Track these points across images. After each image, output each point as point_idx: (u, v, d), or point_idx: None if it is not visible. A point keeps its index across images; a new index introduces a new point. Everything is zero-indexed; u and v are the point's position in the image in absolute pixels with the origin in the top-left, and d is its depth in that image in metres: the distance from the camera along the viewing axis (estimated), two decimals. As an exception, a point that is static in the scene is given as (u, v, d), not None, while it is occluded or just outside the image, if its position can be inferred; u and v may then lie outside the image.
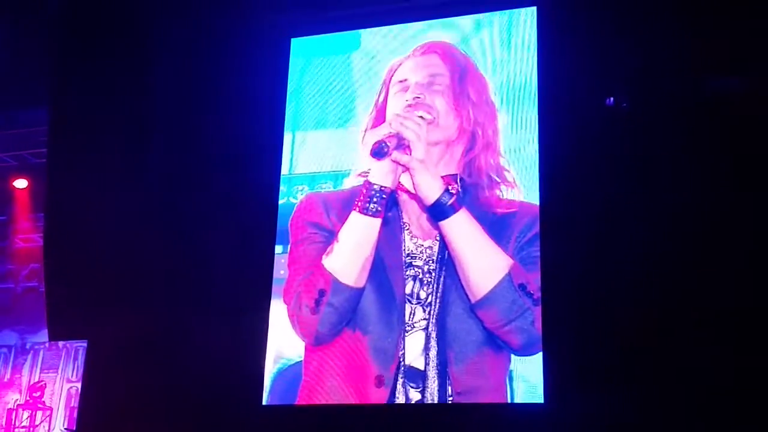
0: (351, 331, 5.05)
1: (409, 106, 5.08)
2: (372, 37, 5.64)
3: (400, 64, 5.33)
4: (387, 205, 5.00)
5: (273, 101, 5.73)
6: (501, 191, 4.99)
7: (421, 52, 5.34)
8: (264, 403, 5.17)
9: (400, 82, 5.22)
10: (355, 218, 5.03)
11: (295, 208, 5.41)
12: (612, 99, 4.95)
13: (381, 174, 4.98)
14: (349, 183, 5.36)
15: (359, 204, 5.03)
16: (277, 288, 5.31)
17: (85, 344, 6.45)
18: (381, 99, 5.32)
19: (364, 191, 5.02)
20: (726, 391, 4.31)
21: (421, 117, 4.99)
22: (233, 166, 5.66)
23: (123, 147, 5.79)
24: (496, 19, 5.34)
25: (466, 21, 5.41)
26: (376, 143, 4.87)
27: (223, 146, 5.73)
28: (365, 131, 5.29)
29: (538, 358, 4.66)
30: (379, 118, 5.25)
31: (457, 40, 5.37)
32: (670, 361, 4.47)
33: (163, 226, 5.63)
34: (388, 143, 4.85)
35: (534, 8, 5.26)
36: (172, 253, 5.56)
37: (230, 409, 5.21)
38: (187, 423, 5.25)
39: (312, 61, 5.78)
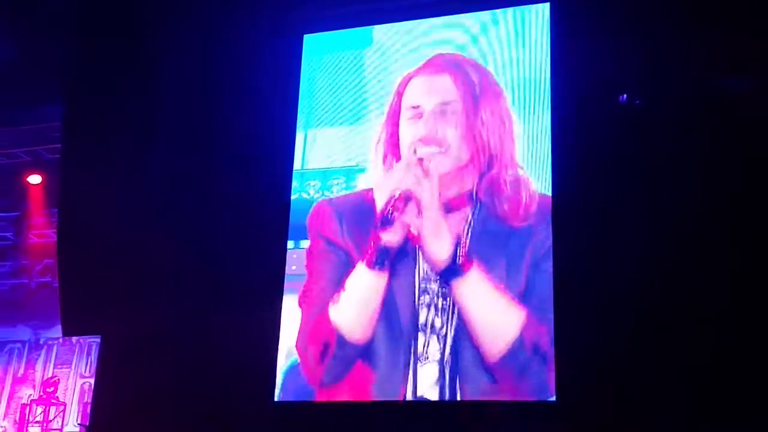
0: (360, 365, 5.03)
1: (420, 140, 5.08)
2: (383, 33, 5.63)
3: (411, 78, 5.31)
4: (395, 260, 5.02)
5: (285, 98, 5.74)
6: (519, 202, 4.96)
7: (433, 69, 5.31)
8: (276, 399, 5.18)
9: (413, 107, 5.20)
10: (362, 272, 5.07)
11: (308, 216, 5.42)
12: (625, 96, 4.93)
13: (389, 234, 5.02)
14: (362, 181, 5.37)
15: (367, 257, 5.07)
16: (289, 284, 5.32)
17: (98, 340, 6.47)
18: (393, 111, 5.31)
19: (372, 245, 5.06)
20: (733, 392, 4.29)
21: (429, 170, 4.98)
22: (245, 163, 5.66)
23: (136, 143, 5.80)
24: (509, 15, 5.33)
25: (478, 17, 5.40)
26: (381, 213, 4.99)
27: (235, 143, 5.74)
28: (379, 142, 5.32)
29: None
30: (393, 137, 5.24)
31: (469, 37, 5.36)
32: (679, 361, 4.45)
33: (175, 223, 5.64)
34: (395, 212, 4.92)
35: (547, 5, 5.24)
36: (185, 250, 5.57)
37: (242, 406, 5.21)
38: (199, 418, 5.26)
39: (323, 58, 5.79)
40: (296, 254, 5.38)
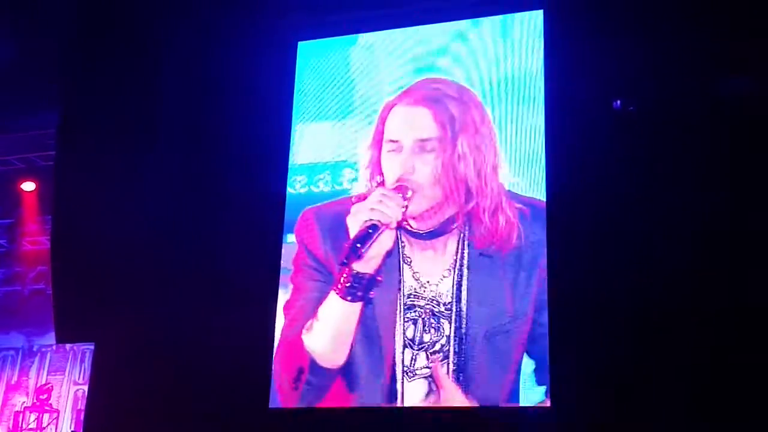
0: (338, 386, 5.04)
1: (398, 180, 5.10)
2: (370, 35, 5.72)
3: (393, 107, 5.33)
4: (369, 288, 5.04)
5: (280, 101, 5.74)
6: (497, 230, 4.98)
7: (414, 101, 5.33)
8: (271, 406, 5.17)
9: (393, 141, 5.22)
10: (335, 302, 5.10)
11: (295, 226, 5.45)
12: (619, 102, 4.95)
13: (361, 265, 5.05)
14: (347, 177, 5.40)
15: (340, 287, 5.10)
16: (284, 277, 5.36)
17: (92, 347, 6.47)
18: (376, 138, 5.31)
19: (345, 276, 5.08)
20: (730, 393, 4.30)
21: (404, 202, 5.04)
22: (239, 170, 5.67)
23: (130, 149, 5.80)
24: (502, 22, 5.35)
25: (469, 24, 5.43)
26: (351, 243, 4.99)
27: (228, 149, 5.75)
28: (365, 167, 5.32)
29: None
30: (377, 166, 5.25)
31: (461, 42, 5.40)
32: (675, 365, 4.46)
33: (170, 230, 5.64)
34: (363, 245, 4.92)
35: (540, 12, 5.26)
36: (179, 256, 5.57)
37: (237, 412, 5.21)
38: (194, 425, 5.25)
39: (312, 57, 5.83)
40: (285, 249, 5.44)
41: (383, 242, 5.03)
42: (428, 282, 4.99)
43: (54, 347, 7.85)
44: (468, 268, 4.93)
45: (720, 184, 4.64)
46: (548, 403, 4.61)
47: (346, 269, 5.07)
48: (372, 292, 5.05)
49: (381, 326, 5.02)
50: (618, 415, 4.46)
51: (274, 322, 5.28)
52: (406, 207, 5.04)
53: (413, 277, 5.04)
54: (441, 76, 5.41)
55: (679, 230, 4.64)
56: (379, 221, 5.01)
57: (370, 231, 4.99)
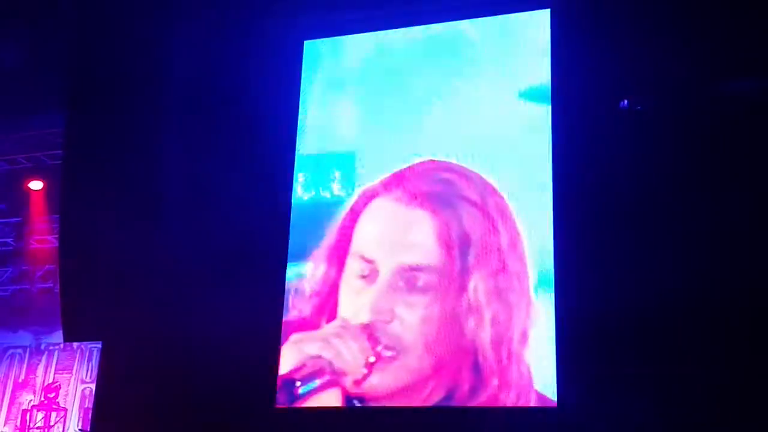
0: None
1: (363, 329, 3.26)
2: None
3: (374, 197, 3.53)
4: None
5: (287, 101, 5.74)
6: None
7: (409, 196, 3.54)
8: (277, 405, 5.17)
9: (365, 260, 3.39)
10: None
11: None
12: (626, 102, 4.93)
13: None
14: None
15: None
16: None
17: (99, 345, 6.48)
18: (335, 246, 3.74)
19: None
20: (737, 395, 4.29)
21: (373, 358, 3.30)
22: (247, 167, 5.67)
23: (137, 149, 5.81)
24: (509, 21, 5.34)
25: (477, 23, 5.42)
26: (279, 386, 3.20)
27: (235, 147, 5.75)
28: (312, 292, 3.72)
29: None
30: (329, 297, 3.64)
31: (467, 41, 5.34)
32: (680, 367, 4.45)
33: (177, 228, 5.65)
34: (300, 386, 3.41)
35: (548, 11, 5.25)
36: (186, 255, 5.58)
37: (243, 411, 5.21)
38: (200, 424, 5.26)
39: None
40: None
41: (323, 403, 3.38)
42: None
43: (61, 345, 7.87)
44: None
45: (728, 184, 4.62)
46: (554, 404, 4.60)
47: None
48: None
49: None
50: (620, 418, 4.45)
51: (281, 323, 5.28)
52: (372, 366, 3.35)
53: None
54: (456, 162, 3.58)
55: (682, 232, 4.63)
56: (331, 365, 3.39)
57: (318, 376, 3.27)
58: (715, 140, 4.69)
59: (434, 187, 3.46)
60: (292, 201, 5.28)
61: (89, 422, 6.45)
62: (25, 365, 8.06)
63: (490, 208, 3.41)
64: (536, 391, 3.32)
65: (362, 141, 4.53)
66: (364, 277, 3.44)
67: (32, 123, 7.05)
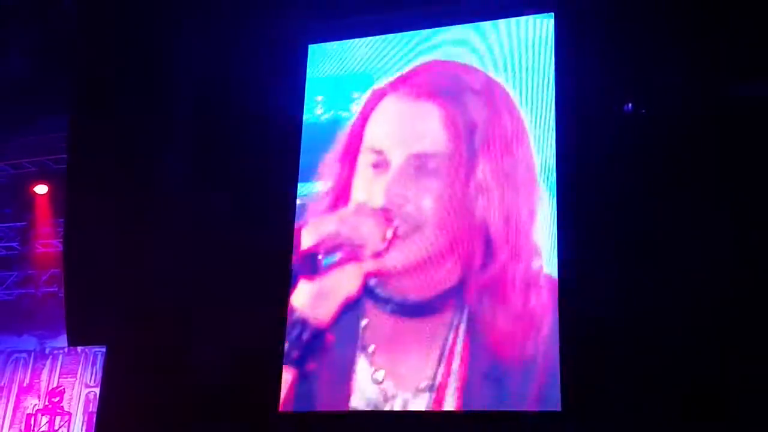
0: None
1: (380, 212, 3.35)
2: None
3: (384, 96, 3.69)
4: (310, 351, 3.30)
5: (292, 104, 5.74)
6: (531, 322, 3.45)
7: (414, 90, 3.63)
8: (280, 409, 5.17)
9: (375, 152, 3.54)
10: None
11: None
12: (630, 105, 4.93)
13: (306, 297, 3.36)
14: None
15: None
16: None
17: (103, 349, 6.48)
18: (347, 148, 3.78)
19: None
20: (740, 401, 4.28)
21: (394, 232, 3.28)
22: (250, 171, 5.67)
23: (141, 153, 5.82)
24: (513, 26, 5.33)
25: (481, 28, 5.41)
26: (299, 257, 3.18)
27: (240, 149, 5.75)
28: (326, 189, 3.76)
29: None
30: (343, 190, 3.76)
31: (471, 47, 5.35)
32: (683, 372, 4.44)
33: (181, 232, 5.65)
34: (321, 259, 3.35)
35: (552, 15, 5.24)
36: (190, 259, 5.58)
37: (247, 415, 5.21)
38: (205, 428, 5.26)
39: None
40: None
41: (344, 281, 3.52)
42: (394, 395, 3.52)
43: (66, 350, 7.87)
44: (465, 387, 3.29)
45: (733, 188, 4.62)
46: (559, 408, 4.59)
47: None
48: (313, 362, 3.39)
49: None
50: (625, 423, 4.44)
51: (285, 327, 5.27)
52: (389, 243, 3.45)
53: (373, 379, 3.39)
54: (459, 61, 3.69)
55: (686, 234, 4.62)
56: (350, 240, 3.53)
57: (338, 251, 3.34)
58: (719, 143, 4.68)
59: (440, 80, 3.61)
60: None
61: (93, 426, 6.45)
62: (29, 369, 8.06)
63: (496, 98, 3.56)
64: (543, 269, 3.40)
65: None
66: (376, 167, 3.58)
67: (36, 127, 7.07)
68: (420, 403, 3.51)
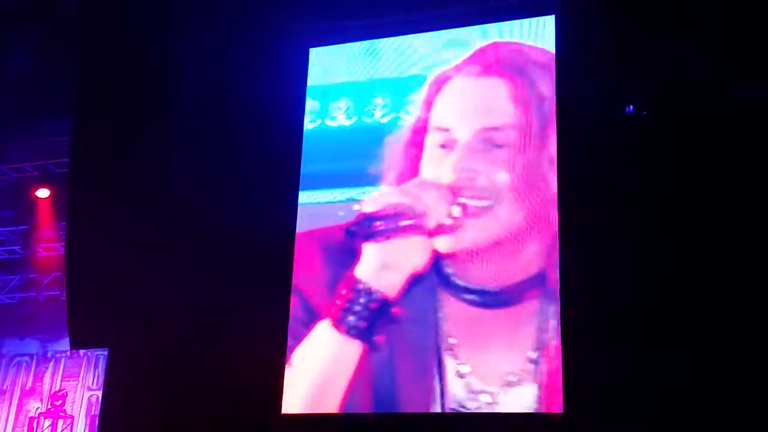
0: None
1: (447, 189, 3.22)
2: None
3: (448, 79, 3.63)
4: (378, 322, 3.25)
5: (294, 108, 5.75)
6: None
7: (480, 68, 3.55)
8: (283, 411, 5.17)
9: (441, 130, 3.42)
10: (325, 332, 3.53)
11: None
12: (632, 107, 4.92)
13: (370, 267, 3.26)
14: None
15: (333, 311, 3.35)
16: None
17: (105, 353, 6.48)
18: (413, 135, 3.73)
19: (344, 292, 3.43)
20: (743, 399, 4.28)
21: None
22: (252, 174, 5.68)
23: (144, 155, 5.83)
24: (515, 28, 5.32)
25: (483, 30, 5.41)
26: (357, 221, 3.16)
27: (242, 153, 5.76)
28: (389, 170, 3.77)
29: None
30: (408, 171, 3.69)
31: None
32: (685, 375, 4.44)
33: (183, 235, 5.66)
34: (380, 224, 3.23)
35: (552, 17, 5.24)
36: (192, 262, 5.58)
37: (249, 418, 5.21)
38: (207, 431, 5.26)
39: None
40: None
41: (410, 252, 3.40)
42: (482, 390, 3.31)
43: (68, 353, 7.88)
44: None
45: (735, 188, 4.62)
46: (561, 410, 4.59)
47: (348, 281, 3.34)
48: (381, 335, 3.41)
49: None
50: (626, 425, 4.43)
51: (286, 329, 5.28)
52: (458, 222, 3.20)
53: (458, 374, 3.25)
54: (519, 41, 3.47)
55: (687, 234, 4.62)
56: (411, 209, 3.40)
57: (400, 218, 3.28)
58: (719, 143, 4.68)
59: (504, 56, 3.48)
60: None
61: (96, 430, 6.45)
62: (31, 373, 8.07)
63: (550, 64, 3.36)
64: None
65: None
66: (443, 146, 3.44)
67: (38, 131, 7.07)
68: (508, 398, 3.34)
